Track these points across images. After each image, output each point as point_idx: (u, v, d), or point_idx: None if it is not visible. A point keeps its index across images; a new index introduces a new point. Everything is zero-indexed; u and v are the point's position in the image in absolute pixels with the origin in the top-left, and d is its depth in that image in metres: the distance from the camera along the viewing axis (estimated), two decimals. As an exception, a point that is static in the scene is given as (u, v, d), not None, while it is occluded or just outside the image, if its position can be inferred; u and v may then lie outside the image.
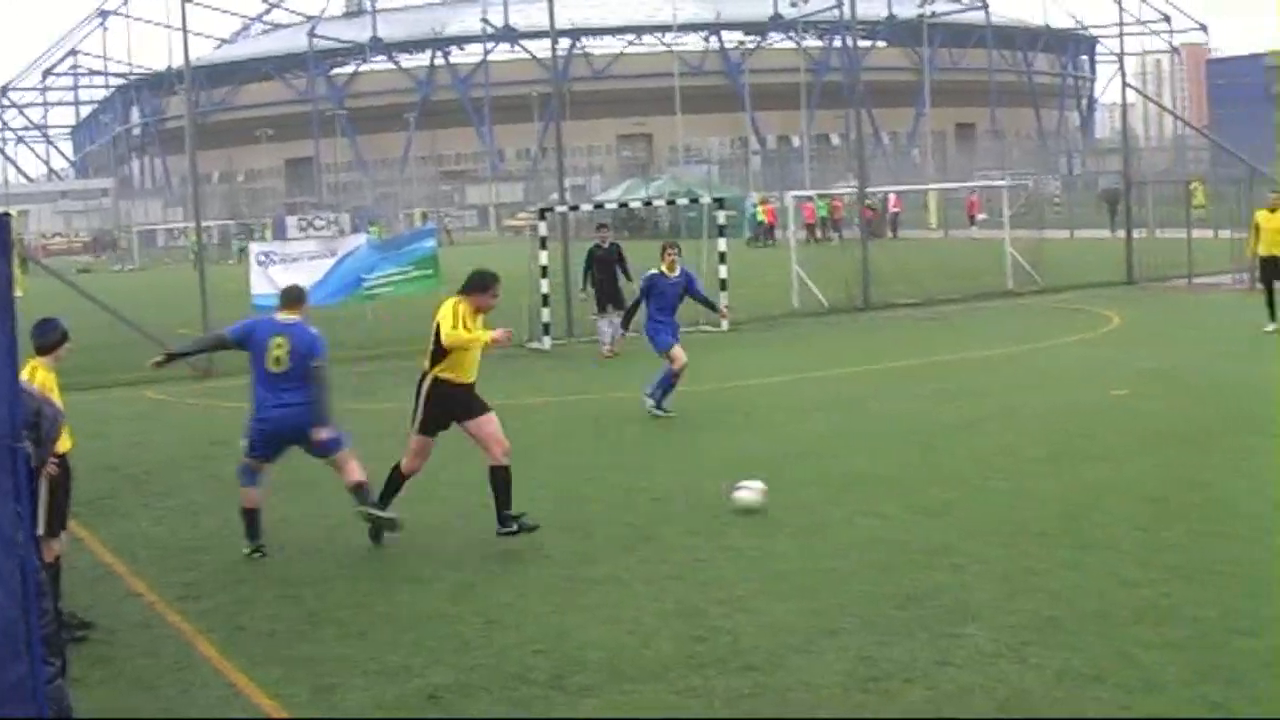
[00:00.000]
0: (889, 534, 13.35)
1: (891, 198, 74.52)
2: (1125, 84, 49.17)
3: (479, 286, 13.72)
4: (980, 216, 73.32)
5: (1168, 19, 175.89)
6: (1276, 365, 23.81)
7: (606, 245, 30.41)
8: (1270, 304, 28.15)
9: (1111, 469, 15.95)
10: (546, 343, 30.94)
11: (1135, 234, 42.62)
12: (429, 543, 13.87)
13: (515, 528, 13.45)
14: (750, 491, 14.45)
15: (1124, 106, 50.78)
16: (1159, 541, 12.69)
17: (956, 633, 10.33)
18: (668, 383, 21.20)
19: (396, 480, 14.03)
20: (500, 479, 13.60)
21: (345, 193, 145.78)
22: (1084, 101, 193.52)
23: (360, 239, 39.12)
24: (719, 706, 9.24)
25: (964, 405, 20.95)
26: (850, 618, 10.80)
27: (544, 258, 31.35)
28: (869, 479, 15.97)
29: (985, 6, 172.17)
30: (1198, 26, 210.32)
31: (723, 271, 32.82)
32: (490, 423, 13.73)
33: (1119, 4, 48.48)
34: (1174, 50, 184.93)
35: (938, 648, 10.01)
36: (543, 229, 31.80)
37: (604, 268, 30.13)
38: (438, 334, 13.48)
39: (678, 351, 21.19)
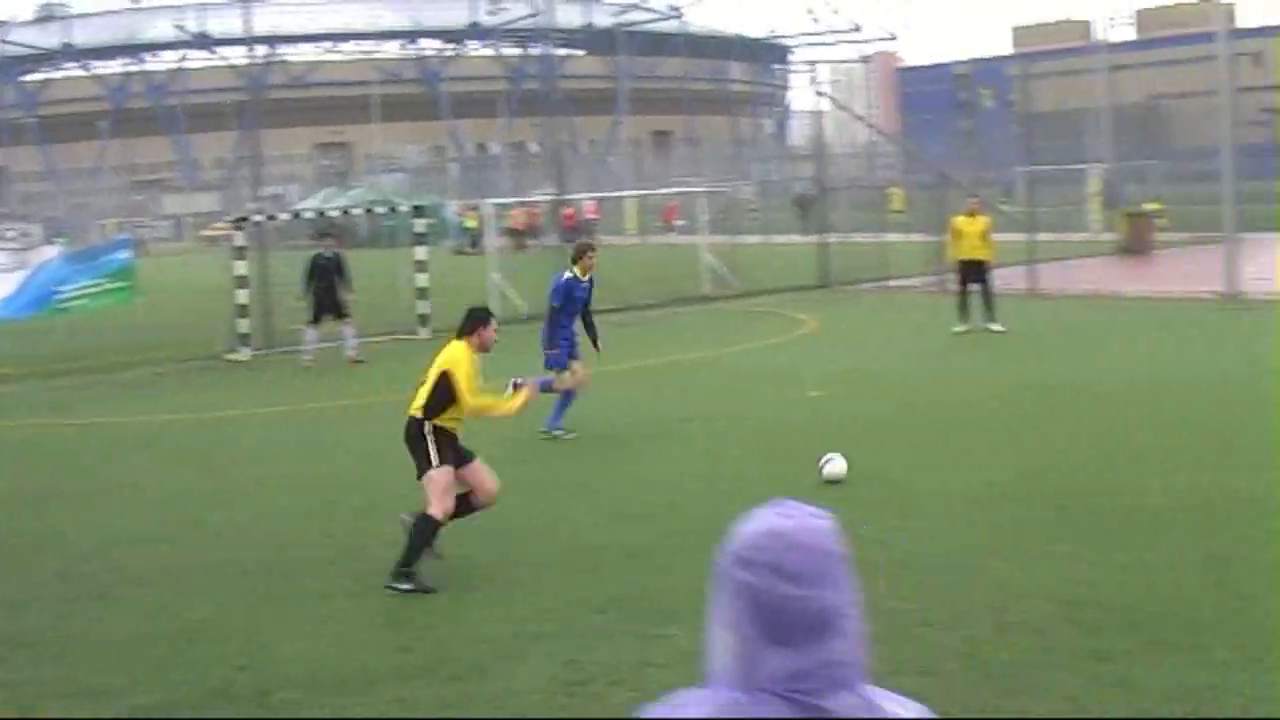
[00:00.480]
0: (590, 539, 13.44)
1: (589, 205, 74.92)
2: (818, 92, 50.13)
3: (481, 322, 13.10)
4: (679, 222, 74.09)
5: (859, 28, 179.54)
6: (962, 362, 24.56)
7: (329, 254, 29.94)
8: (963, 306, 29.01)
9: (808, 467, 16.27)
10: (245, 354, 30.48)
11: (829, 239, 43.48)
12: (122, 560, 13.56)
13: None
14: (837, 463, 15.35)
15: (816, 114, 51.79)
16: (855, 537, 12.92)
17: (658, 634, 10.44)
18: (566, 402, 19.76)
19: (430, 530, 12.53)
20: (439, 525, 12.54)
21: (36, 203, 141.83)
22: (778, 109, 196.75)
23: (53, 251, 38.10)
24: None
25: (665, 409, 21.17)
26: (554, 623, 10.85)
27: (241, 268, 30.90)
28: (566, 484, 16.05)
29: (680, 16, 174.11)
30: (888, 36, 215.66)
31: (422, 280, 32.67)
32: (483, 468, 13.07)
33: (811, 14, 49.27)
34: (865, 59, 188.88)
35: (641, 650, 10.11)
36: (239, 239, 31.34)
37: (324, 276, 29.66)
38: (444, 384, 12.71)
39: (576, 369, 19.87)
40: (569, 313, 19.70)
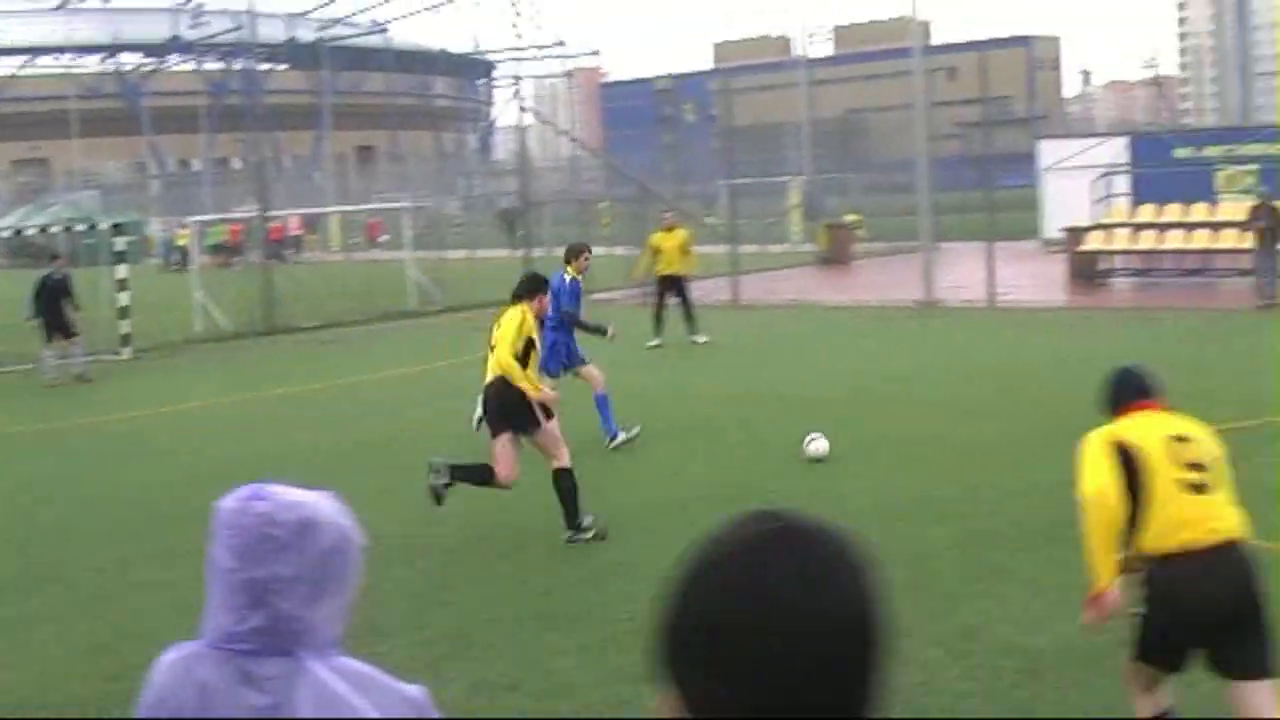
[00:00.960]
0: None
1: (293, 221, 74.11)
2: (521, 107, 50.23)
3: (539, 289, 14.11)
4: (383, 238, 73.66)
5: (562, 43, 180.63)
6: (667, 374, 24.81)
7: (58, 275, 29.18)
8: (658, 320, 29.22)
9: (520, 483, 16.26)
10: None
11: (534, 252, 43.55)
12: None
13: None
14: (820, 443, 16.52)
15: (520, 128, 51.88)
16: (566, 549, 13.01)
17: (371, 651, 10.32)
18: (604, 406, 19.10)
19: (571, 481, 13.64)
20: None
21: None
22: (482, 124, 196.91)
23: None
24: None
25: (369, 426, 21.00)
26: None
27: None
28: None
29: (384, 30, 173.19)
30: (591, 51, 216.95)
31: (123, 299, 31.95)
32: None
33: (515, 29, 49.37)
34: (569, 74, 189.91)
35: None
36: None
37: (53, 296, 28.90)
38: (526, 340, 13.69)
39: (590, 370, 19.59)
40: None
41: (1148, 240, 38.60)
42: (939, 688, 9.19)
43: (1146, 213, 40.28)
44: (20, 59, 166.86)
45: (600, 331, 20.01)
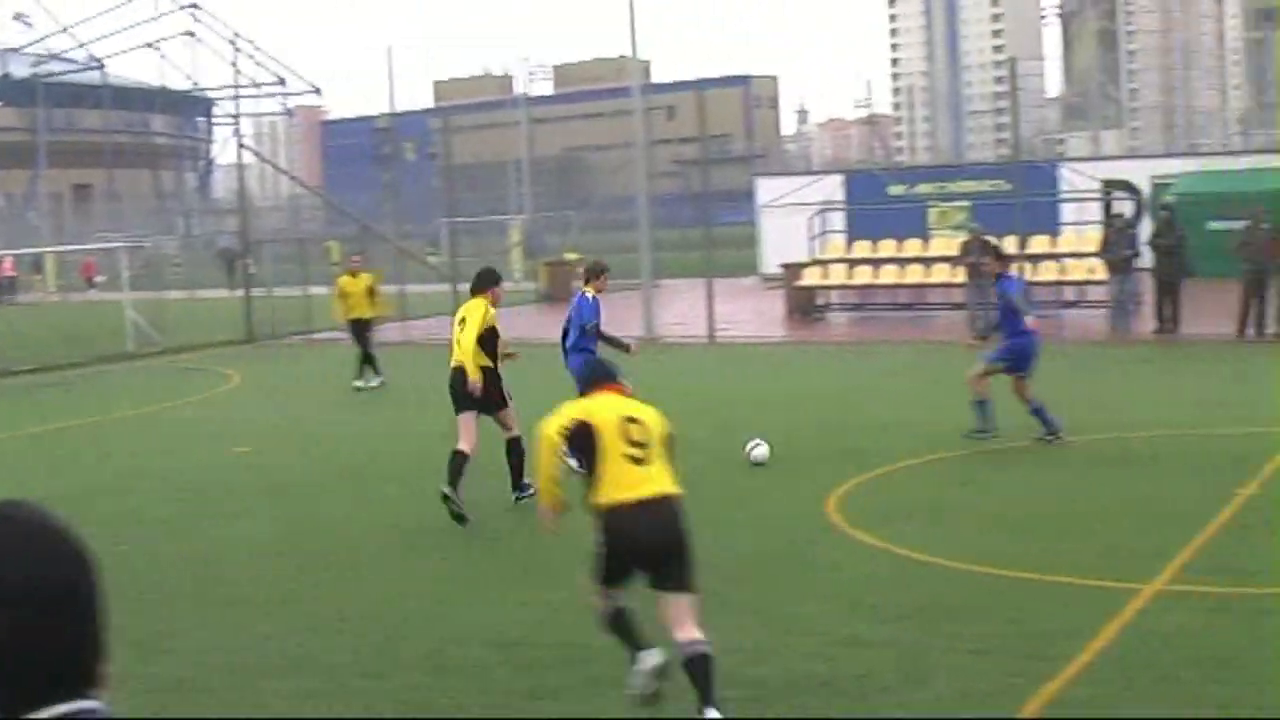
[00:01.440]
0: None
1: (6, 261, 72.21)
2: (241, 145, 49.66)
3: (494, 280, 16.58)
4: (99, 279, 72.17)
5: (283, 81, 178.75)
6: (380, 415, 24.71)
7: None
8: (365, 361, 28.95)
9: (237, 525, 16.08)
10: None
11: (255, 292, 43.03)
12: None
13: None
14: (762, 448, 18.05)
15: (240, 167, 51.22)
16: (287, 593, 12.88)
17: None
18: None
19: (520, 449, 15.89)
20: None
21: None
22: (202, 162, 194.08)
23: None
24: None
25: (87, 471, 20.56)
26: None
27: None
28: None
29: (101, 67, 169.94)
30: (312, 89, 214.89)
31: None
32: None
33: (234, 67, 48.86)
34: (289, 112, 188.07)
35: None
36: None
37: None
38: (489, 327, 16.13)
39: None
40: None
41: (863, 275, 39.51)
42: (666, 720, 9.29)
43: (862, 248, 41.27)
44: None
45: (624, 347, 20.34)
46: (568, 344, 19.47)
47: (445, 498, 15.03)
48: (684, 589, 9.35)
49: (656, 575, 9.39)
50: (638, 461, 9.53)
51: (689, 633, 9.12)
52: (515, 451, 16.07)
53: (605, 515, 9.46)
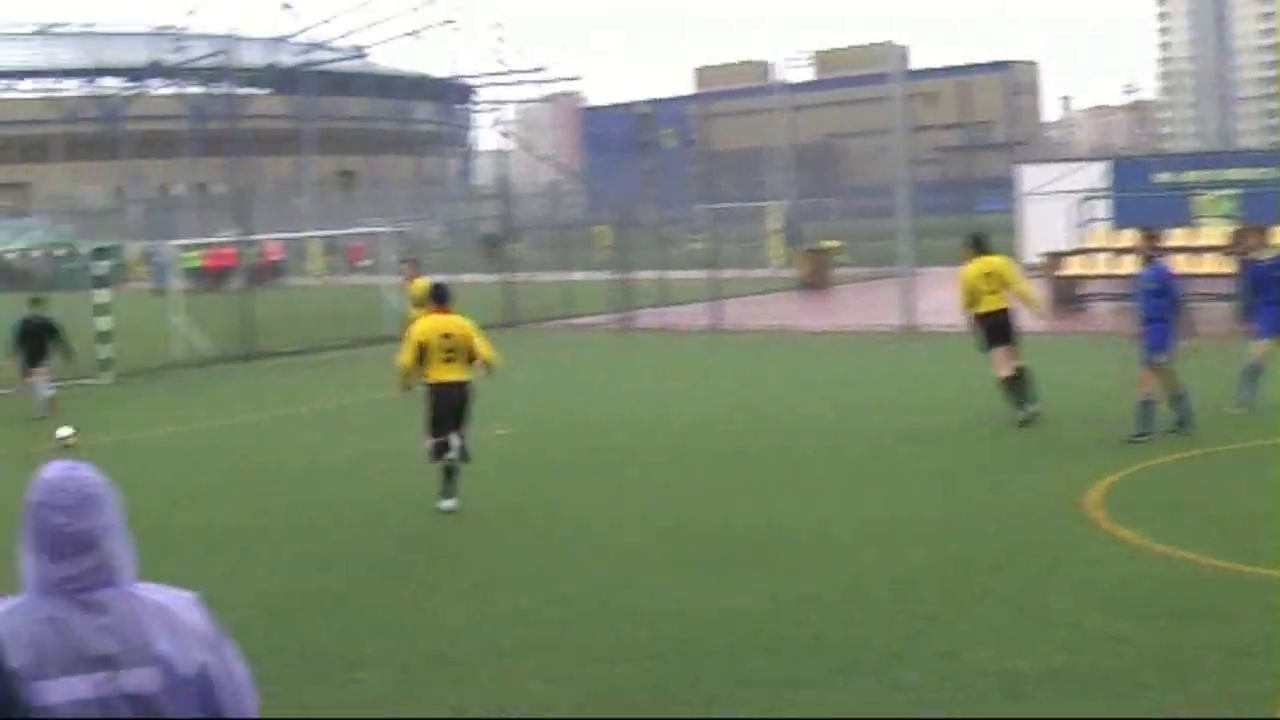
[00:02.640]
0: (279, 585, 13.23)
1: (273, 245, 73.84)
2: (502, 132, 50.24)
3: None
4: (363, 263, 73.55)
5: (543, 68, 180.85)
6: (646, 399, 24.80)
7: (40, 317, 28.24)
8: None
9: (497, 506, 16.27)
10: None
11: (515, 277, 43.56)
12: None
13: None
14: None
15: (501, 154, 51.90)
16: (546, 575, 13.01)
17: (350, 679, 10.32)
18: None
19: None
20: None
21: None
22: (463, 149, 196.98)
23: None
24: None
25: (347, 450, 20.98)
26: (242, 669, 10.63)
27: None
28: (253, 529, 15.79)
29: (364, 55, 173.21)
30: (572, 76, 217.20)
31: (104, 323, 31.90)
32: None
33: (496, 55, 49.45)
34: (549, 99, 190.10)
35: (332, 695, 9.99)
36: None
37: (36, 336, 28.15)
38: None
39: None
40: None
41: (1127, 265, 38.68)
42: (921, 710, 9.19)
43: (1126, 237, 40.40)
44: (1, 83, 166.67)
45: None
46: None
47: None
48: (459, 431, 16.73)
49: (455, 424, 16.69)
50: (449, 361, 16.82)
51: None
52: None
53: (429, 388, 16.95)
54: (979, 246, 22.61)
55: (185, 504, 17.53)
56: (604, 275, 43.20)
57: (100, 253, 36.27)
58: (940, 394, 23.87)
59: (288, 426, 24.36)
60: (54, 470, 4.26)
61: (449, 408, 16.72)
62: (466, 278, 64.82)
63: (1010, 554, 12.96)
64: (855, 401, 23.52)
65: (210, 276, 67.32)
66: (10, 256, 48.86)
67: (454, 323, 17.00)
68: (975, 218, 36.94)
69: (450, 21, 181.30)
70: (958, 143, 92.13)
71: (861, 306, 41.12)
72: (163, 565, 13.80)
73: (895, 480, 16.72)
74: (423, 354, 16.79)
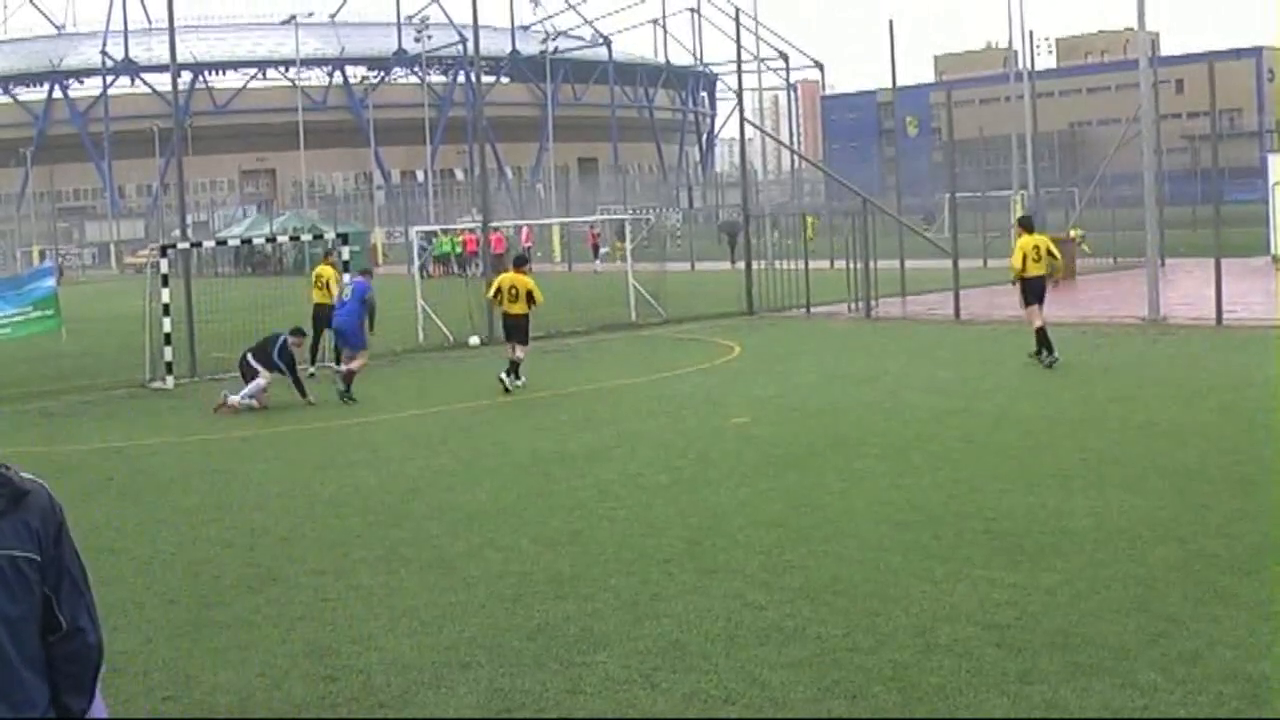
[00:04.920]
0: (514, 566, 13.39)
1: (524, 231, 74.64)
2: (744, 120, 50.30)
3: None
4: (604, 250, 74.09)
5: (785, 57, 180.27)
6: (880, 388, 24.65)
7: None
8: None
9: (734, 494, 16.30)
10: (170, 382, 30.20)
11: (754, 265, 43.58)
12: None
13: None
14: None
15: (743, 141, 51.95)
16: (781, 563, 13.00)
17: (586, 661, 10.42)
18: None
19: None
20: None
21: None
22: (704, 136, 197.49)
23: (-25, 279, 37.55)
24: (350, 745, 9.16)
25: (588, 435, 21.17)
26: (480, 650, 10.80)
27: (165, 295, 30.56)
28: (492, 511, 15.99)
29: (608, 43, 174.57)
30: (814, 64, 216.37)
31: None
32: None
33: (737, 42, 49.45)
34: (791, 87, 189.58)
35: (568, 676, 10.09)
36: (164, 266, 30.93)
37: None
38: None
39: None
40: None
41: (1383, 256, 37.59)
42: (1158, 712, 9.03)
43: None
44: (250, 72, 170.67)
45: None
46: None
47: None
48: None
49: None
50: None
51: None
52: None
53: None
54: (1028, 226, 29.20)
55: (424, 487, 17.82)
56: (843, 264, 43.01)
57: (344, 238, 36.96)
58: (1183, 389, 23.39)
59: (524, 410, 24.61)
60: None
61: (515, 328, 27.13)
62: (705, 265, 65.11)
63: (1259, 555, 12.66)
64: (1099, 395, 23.14)
65: (456, 263, 68.34)
66: (258, 242, 49.87)
67: (520, 279, 27.38)
68: (1225, 208, 36.08)
69: (693, 9, 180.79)
70: (1205, 131, 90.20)
71: (1106, 298, 40.47)
72: (401, 546, 14.10)
73: (1139, 475, 16.42)
74: (498, 294, 27.57)
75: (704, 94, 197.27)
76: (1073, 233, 54.61)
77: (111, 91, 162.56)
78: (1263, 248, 49.20)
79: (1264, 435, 18.67)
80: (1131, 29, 45.23)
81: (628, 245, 46.69)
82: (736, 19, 53.64)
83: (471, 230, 64.65)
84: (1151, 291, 34.67)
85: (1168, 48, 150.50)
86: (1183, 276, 38.34)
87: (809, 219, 59.01)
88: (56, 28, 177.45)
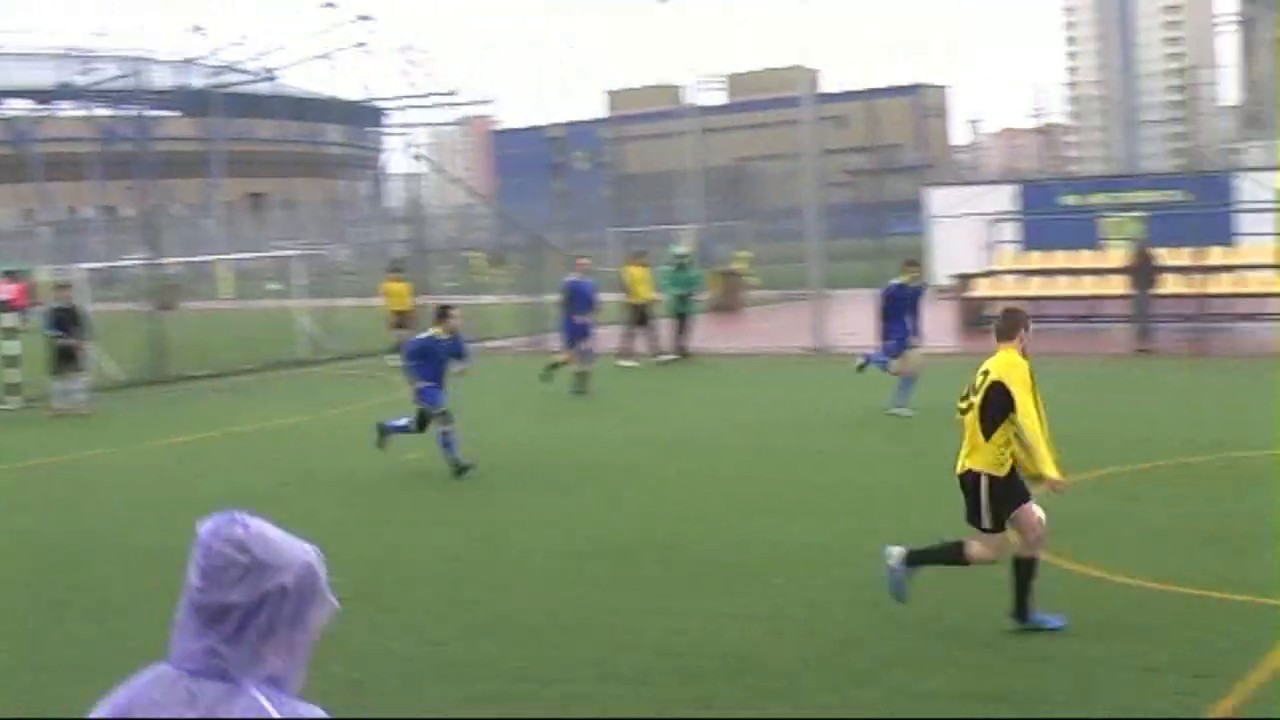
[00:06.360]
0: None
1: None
2: (414, 155, 50.17)
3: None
4: (272, 286, 73.12)
5: (454, 91, 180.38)
6: (567, 422, 24.80)
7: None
8: None
9: (411, 529, 16.23)
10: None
11: (425, 300, 43.34)
12: None
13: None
14: None
15: (411, 176, 51.80)
16: (461, 598, 12.98)
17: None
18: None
19: None
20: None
21: None
22: (374, 172, 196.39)
23: None
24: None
25: (262, 474, 20.87)
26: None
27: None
28: (165, 550, 15.64)
29: (274, 78, 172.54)
30: (483, 100, 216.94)
31: (12, 348, 31.53)
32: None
33: (408, 78, 49.39)
34: (461, 122, 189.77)
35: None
36: None
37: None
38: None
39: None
40: None
41: (1035, 287, 39.04)
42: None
43: (1034, 259, 40.80)
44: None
45: None
46: None
47: None
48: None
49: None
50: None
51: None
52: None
53: None
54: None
55: (100, 530, 17.38)
56: (516, 299, 43.10)
57: (9, 275, 35.94)
58: (850, 417, 24.00)
59: (198, 452, 24.16)
60: (213, 521, 3.55)
61: None
62: (378, 301, 64.61)
63: (920, 577, 13.02)
64: (767, 424, 23.58)
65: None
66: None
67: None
68: (886, 240, 37.17)
69: (362, 44, 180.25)
70: (868, 166, 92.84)
71: (772, 330, 41.26)
72: (70, 594, 13.71)
73: (809, 501, 16.79)
74: None
75: (374, 129, 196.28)
76: (736, 265, 55.67)
77: None
78: (923, 279, 50.66)
79: (930, 460, 19.24)
80: (797, 67, 46.39)
81: (292, 282, 46.12)
82: (406, 55, 53.49)
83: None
84: (817, 322, 35.47)
85: (832, 85, 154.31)
86: (846, 307, 39.24)
87: (473, 255, 59.06)
88: None
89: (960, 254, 42.16)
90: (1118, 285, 35.17)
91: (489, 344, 40.93)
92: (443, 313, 20.77)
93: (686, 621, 11.80)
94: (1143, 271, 33.43)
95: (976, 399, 11.04)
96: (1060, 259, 40.21)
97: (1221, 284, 36.06)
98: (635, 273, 34.11)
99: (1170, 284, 34.81)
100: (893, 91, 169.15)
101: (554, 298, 41.63)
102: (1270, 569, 12.72)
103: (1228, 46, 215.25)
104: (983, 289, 39.54)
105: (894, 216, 65.53)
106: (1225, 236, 40.06)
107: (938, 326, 38.52)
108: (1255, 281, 35.73)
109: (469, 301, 43.22)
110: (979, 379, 11.12)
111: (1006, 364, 11.09)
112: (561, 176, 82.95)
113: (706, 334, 39.49)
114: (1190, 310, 34.53)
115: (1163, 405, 24.09)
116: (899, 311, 24.14)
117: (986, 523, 10.98)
